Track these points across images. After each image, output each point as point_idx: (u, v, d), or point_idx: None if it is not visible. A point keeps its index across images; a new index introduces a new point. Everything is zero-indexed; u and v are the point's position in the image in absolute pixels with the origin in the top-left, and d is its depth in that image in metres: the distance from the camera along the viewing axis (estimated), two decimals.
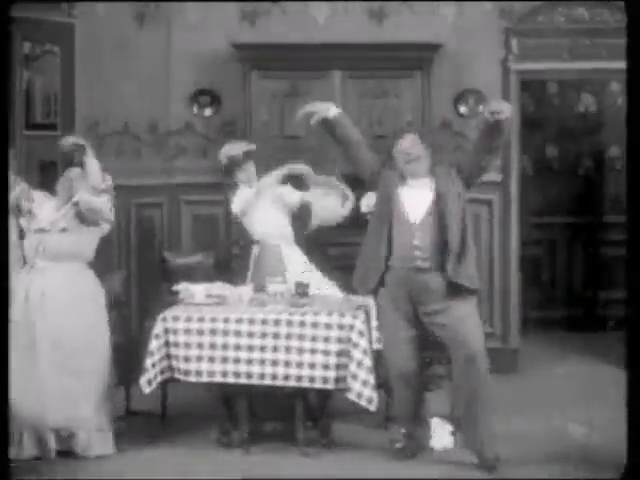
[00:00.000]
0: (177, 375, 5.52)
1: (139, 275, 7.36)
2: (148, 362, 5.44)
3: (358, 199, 6.08)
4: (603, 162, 8.95)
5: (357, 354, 5.29)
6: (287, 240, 6.24)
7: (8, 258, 4.92)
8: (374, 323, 5.51)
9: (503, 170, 7.34)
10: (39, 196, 5.52)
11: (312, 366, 5.34)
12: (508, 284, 7.47)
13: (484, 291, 6.97)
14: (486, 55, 7.34)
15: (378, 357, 5.42)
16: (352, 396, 5.32)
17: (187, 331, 5.46)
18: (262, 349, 5.39)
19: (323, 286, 6.03)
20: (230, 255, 7.15)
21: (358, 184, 5.78)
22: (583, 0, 7.29)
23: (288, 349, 5.37)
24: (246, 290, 5.82)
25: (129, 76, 7.30)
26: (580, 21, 7.34)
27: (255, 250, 6.25)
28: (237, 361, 5.40)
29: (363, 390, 5.29)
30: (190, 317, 5.49)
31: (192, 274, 6.41)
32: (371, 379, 5.29)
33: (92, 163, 5.40)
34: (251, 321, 5.43)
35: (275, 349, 5.38)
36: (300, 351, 5.36)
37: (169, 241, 7.54)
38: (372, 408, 5.34)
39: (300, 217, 6.32)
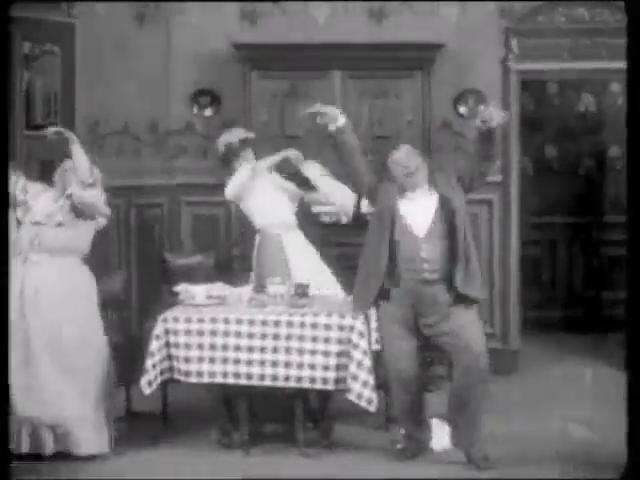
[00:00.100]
0: (177, 376, 5.52)
1: (139, 276, 7.37)
2: (149, 363, 5.44)
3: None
4: (603, 162, 8.96)
5: (357, 355, 5.29)
6: (289, 227, 6.23)
7: (8, 255, 4.91)
8: (373, 324, 5.51)
9: (503, 170, 7.34)
10: (35, 188, 5.49)
11: (312, 367, 5.34)
12: (508, 284, 7.47)
13: None
14: (486, 55, 7.34)
15: (377, 358, 5.42)
16: (352, 397, 5.32)
17: (187, 332, 5.46)
18: (262, 350, 5.39)
19: (326, 280, 6.03)
20: (230, 256, 7.16)
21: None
22: (583, 0, 7.29)
23: (288, 350, 5.37)
24: (245, 290, 5.83)
25: (129, 76, 7.31)
26: (580, 21, 7.34)
27: (257, 240, 6.24)
28: (237, 362, 5.40)
29: (363, 391, 5.29)
30: (190, 318, 5.48)
31: (192, 275, 6.40)
32: (371, 380, 5.29)
33: (78, 156, 5.37)
34: (251, 322, 5.43)
35: (275, 350, 5.38)
36: (300, 352, 5.36)
37: (169, 242, 7.54)
38: (372, 409, 5.34)
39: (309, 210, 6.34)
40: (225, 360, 5.41)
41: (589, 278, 8.87)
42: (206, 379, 5.45)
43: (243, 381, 5.41)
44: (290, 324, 5.38)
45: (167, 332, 5.48)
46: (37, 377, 5.24)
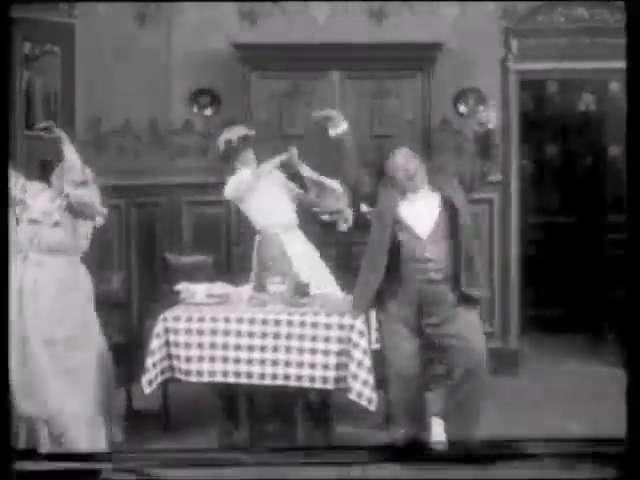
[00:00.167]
0: (178, 375, 5.52)
1: (139, 275, 7.37)
2: (149, 362, 5.45)
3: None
4: (603, 161, 8.95)
5: (357, 354, 5.30)
6: (289, 227, 6.22)
7: (8, 254, 4.91)
8: (373, 323, 5.52)
9: (503, 170, 7.35)
10: (34, 187, 5.47)
11: (312, 366, 5.35)
12: (508, 284, 7.47)
13: None
14: (486, 55, 7.34)
15: (377, 357, 5.42)
16: (352, 396, 5.32)
17: (188, 331, 5.46)
18: (262, 349, 5.39)
19: (324, 279, 6.04)
20: (230, 255, 7.16)
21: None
22: (583, 0, 7.30)
23: (288, 349, 5.38)
24: (245, 289, 5.83)
25: (129, 76, 7.31)
26: (580, 21, 7.34)
27: (256, 240, 6.24)
28: (237, 361, 5.41)
29: (363, 390, 5.30)
30: (190, 317, 5.49)
31: (193, 274, 6.40)
32: (371, 379, 5.30)
33: (69, 155, 5.33)
34: (251, 321, 5.43)
35: (275, 349, 5.39)
36: (300, 351, 5.36)
37: (170, 241, 7.54)
38: (372, 408, 5.34)
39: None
40: (225, 359, 5.41)
41: (589, 278, 8.86)
42: (206, 378, 5.45)
43: (243, 380, 5.42)
44: (290, 323, 5.39)
45: (167, 331, 5.49)
46: (34, 375, 5.24)
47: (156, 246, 7.50)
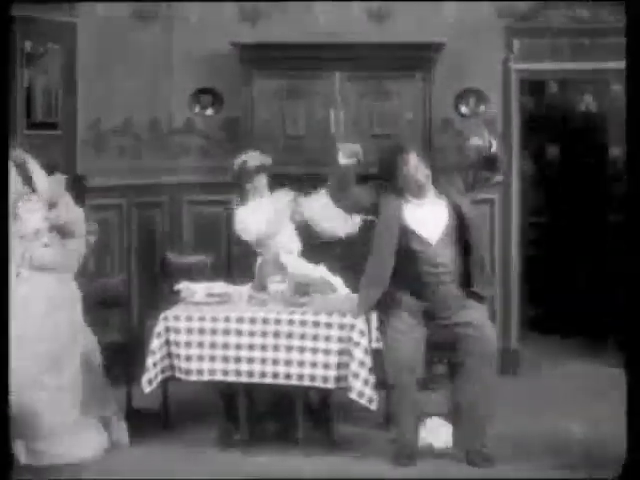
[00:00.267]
0: (178, 374, 5.53)
1: (140, 274, 7.37)
2: (149, 361, 5.45)
3: None
4: (604, 162, 8.94)
5: (358, 353, 5.30)
6: (293, 252, 6.21)
7: (8, 259, 4.89)
8: (374, 322, 5.52)
9: (503, 170, 7.34)
10: (30, 202, 5.39)
11: (313, 365, 5.36)
12: (508, 284, 7.47)
13: None
14: (487, 55, 7.34)
15: (378, 356, 5.42)
16: (353, 395, 5.33)
17: (188, 330, 5.47)
18: (263, 348, 5.40)
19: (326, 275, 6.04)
20: (231, 255, 7.16)
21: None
22: (583, 0, 7.30)
23: (289, 348, 5.39)
24: (245, 288, 5.83)
25: (130, 76, 7.31)
26: (580, 21, 7.34)
27: (257, 263, 6.21)
28: (238, 360, 5.42)
29: (364, 389, 5.31)
30: (191, 316, 5.50)
31: (193, 274, 6.41)
32: (372, 378, 5.31)
33: (37, 177, 5.32)
34: (252, 320, 5.44)
35: (276, 348, 5.40)
36: (301, 350, 5.37)
37: (170, 241, 7.54)
38: (373, 407, 5.36)
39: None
40: (226, 358, 5.42)
41: (590, 278, 8.86)
42: (206, 377, 5.46)
43: (244, 379, 5.42)
44: (291, 322, 5.40)
45: (168, 330, 5.50)
46: (17, 388, 5.13)
47: (157, 245, 7.50)
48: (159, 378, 5.50)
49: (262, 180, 6.24)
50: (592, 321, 8.17)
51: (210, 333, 5.45)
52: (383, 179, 5.44)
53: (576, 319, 8.32)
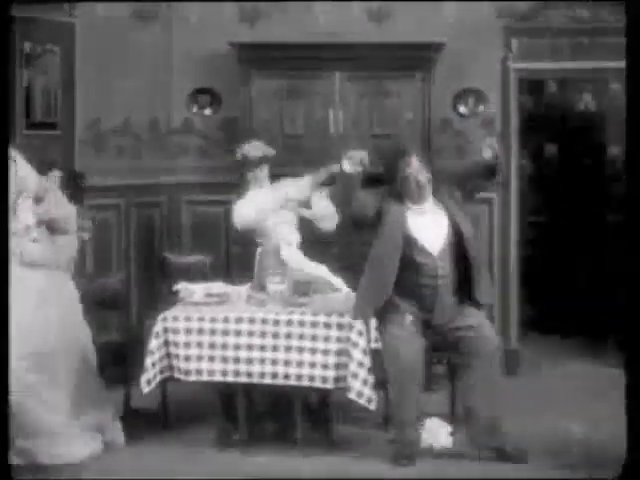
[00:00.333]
0: (177, 374, 5.53)
1: (139, 274, 7.37)
2: (148, 361, 5.45)
3: None
4: (603, 161, 8.94)
5: (357, 353, 5.30)
6: (292, 244, 6.20)
7: (8, 255, 4.88)
8: (373, 323, 5.51)
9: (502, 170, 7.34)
10: (26, 201, 5.39)
11: (312, 365, 5.36)
12: (507, 284, 7.47)
13: None
14: (486, 54, 7.34)
15: (377, 357, 5.42)
16: (352, 395, 5.33)
17: (187, 330, 5.47)
18: (262, 348, 5.40)
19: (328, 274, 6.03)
20: (230, 255, 7.15)
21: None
22: (583, 0, 7.30)
23: (288, 348, 5.38)
24: (244, 289, 5.83)
25: (129, 76, 7.30)
26: (580, 21, 7.34)
27: (258, 253, 6.21)
28: (237, 360, 5.41)
29: (363, 389, 5.31)
30: (190, 317, 5.49)
31: (192, 274, 6.40)
32: (371, 378, 5.31)
33: (20, 173, 5.29)
34: (251, 320, 5.44)
35: (275, 348, 5.39)
36: (300, 350, 5.37)
37: (169, 240, 7.54)
38: (372, 407, 5.36)
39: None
40: (225, 358, 5.42)
41: (589, 278, 8.86)
42: (205, 377, 5.46)
43: (243, 379, 5.42)
44: (290, 322, 5.40)
45: (166, 331, 5.49)
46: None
47: (155, 245, 7.50)
48: (158, 378, 5.50)
49: (264, 171, 6.21)
50: (592, 321, 8.17)
51: (209, 333, 5.45)
52: (384, 181, 5.44)
53: (576, 319, 8.31)
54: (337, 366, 5.35)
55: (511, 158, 7.40)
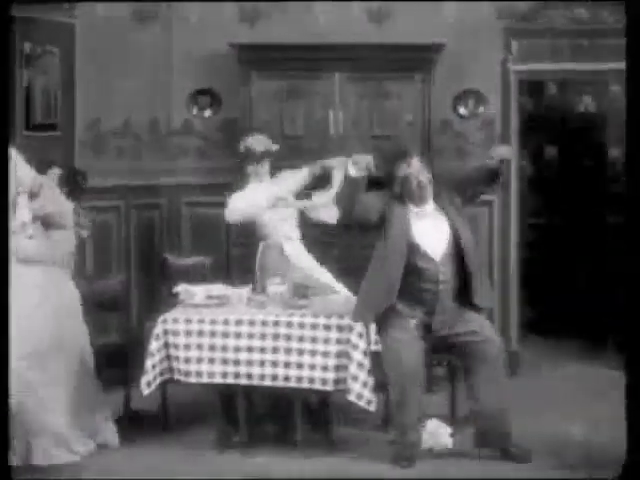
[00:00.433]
0: (177, 376, 5.53)
1: (139, 276, 7.37)
2: (148, 363, 5.45)
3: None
4: (603, 162, 8.94)
5: (357, 355, 5.30)
6: (293, 238, 6.20)
7: (8, 254, 4.87)
8: (373, 325, 5.51)
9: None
10: (22, 199, 5.37)
11: (312, 367, 5.35)
12: (507, 285, 7.47)
13: None
14: (486, 55, 7.34)
15: (376, 358, 5.41)
16: (352, 397, 5.32)
17: (187, 333, 5.46)
18: (262, 350, 5.40)
19: (328, 278, 6.03)
20: (230, 256, 7.15)
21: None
22: (583, 0, 7.30)
23: (288, 350, 5.38)
24: (245, 291, 5.82)
25: (129, 76, 7.30)
26: (580, 21, 7.34)
27: (259, 249, 6.21)
28: (237, 362, 5.41)
29: (363, 391, 5.30)
30: (190, 319, 5.49)
31: (192, 275, 6.39)
32: (370, 380, 5.30)
33: (20, 169, 5.30)
34: (251, 322, 5.44)
35: (275, 350, 5.39)
36: (300, 352, 5.37)
37: (169, 242, 7.53)
38: (372, 409, 5.36)
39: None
40: (225, 360, 5.42)
41: (589, 279, 8.85)
42: (205, 379, 5.45)
43: (243, 381, 5.42)
44: (290, 324, 5.39)
45: (166, 333, 5.49)
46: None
47: (155, 247, 7.50)
48: (158, 380, 5.50)
49: (265, 166, 6.21)
50: (591, 322, 8.17)
51: (209, 335, 5.44)
52: (386, 184, 5.43)
53: (575, 320, 8.31)
54: (337, 368, 5.34)
55: (511, 160, 7.39)
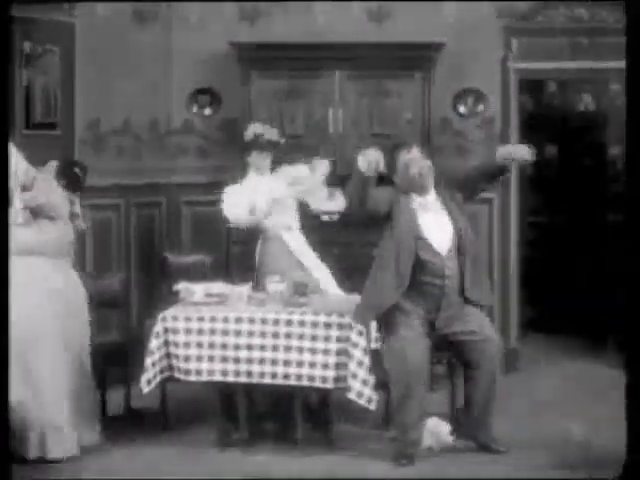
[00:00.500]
0: (177, 374, 5.53)
1: (139, 274, 7.37)
2: (148, 361, 5.45)
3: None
4: (603, 161, 8.94)
5: (357, 353, 5.30)
6: (292, 229, 6.20)
7: (8, 254, 4.87)
8: (373, 323, 5.51)
9: None
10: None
11: (312, 365, 5.36)
12: (507, 284, 7.47)
13: None
14: (486, 54, 7.34)
15: (376, 356, 5.42)
16: (352, 395, 5.33)
17: (187, 331, 5.47)
18: (262, 348, 5.40)
19: (325, 278, 6.03)
20: (230, 254, 7.15)
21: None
22: (583, 0, 7.30)
23: (288, 348, 5.38)
24: (244, 288, 5.83)
25: (129, 76, 7.30)
26: (580, 21, 7.34)
27: (259, 241, 6.21)
28: (237, 360, 5.42)
29: (363, 389, 5.30)
30: (190, 317, 5.49)
31: (192, 273, 6.40)
32: (371, 378, 5.31)
33: (10, 160, 5.25)
34: (251, 320, 5.44)
35: (275, 348, 5.39)
36: (300, 350, 5.37)
37: (169, 240, 7.54)
38: (372, 407, 5.36)
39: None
40: (224, 358, 5.42)
41: (589, 278, 8.86)
42: (205, 377, 5.46)
43: (243, 379, 5.42)
44: (289, 322, 5.40)
45: (166, 331, 5.49)
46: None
47: (155, 245, 7.50)
48: (158, 378, 5.50)
49: (267, 159, 6.21)
50: (592, 321, 8.17)
51: (209, 333, 5.45)
52: (388, 176, 5.43)
53: (576, 319, 8.32)
54: (337, 366, 5.35)
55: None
